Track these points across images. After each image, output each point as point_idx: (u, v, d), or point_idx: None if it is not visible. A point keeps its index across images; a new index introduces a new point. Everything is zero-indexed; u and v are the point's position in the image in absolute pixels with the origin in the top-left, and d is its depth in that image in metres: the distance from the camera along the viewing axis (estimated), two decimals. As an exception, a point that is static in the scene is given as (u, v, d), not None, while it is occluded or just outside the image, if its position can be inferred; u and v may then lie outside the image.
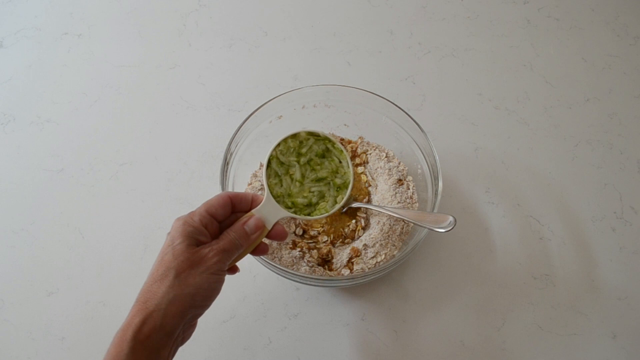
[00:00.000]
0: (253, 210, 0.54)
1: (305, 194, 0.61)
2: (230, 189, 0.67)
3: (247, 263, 0.63)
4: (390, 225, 0.67)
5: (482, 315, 0.67)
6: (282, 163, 0.60)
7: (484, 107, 0.84)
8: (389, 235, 0.67)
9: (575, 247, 0.72)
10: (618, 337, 0.66)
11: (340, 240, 0.69)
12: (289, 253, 0.66)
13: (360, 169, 0.75)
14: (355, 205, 0.68)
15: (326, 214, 0.60)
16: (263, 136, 0.72)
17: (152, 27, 0.93)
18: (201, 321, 0.50)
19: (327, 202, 0.61)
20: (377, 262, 0.65)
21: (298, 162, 0.61)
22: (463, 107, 0.84)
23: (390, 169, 0.73)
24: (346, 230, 0.69)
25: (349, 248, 0.67)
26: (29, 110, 0.84)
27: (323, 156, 0.62)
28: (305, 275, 0.62)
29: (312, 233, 0.69)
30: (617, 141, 0.81)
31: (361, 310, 0.68)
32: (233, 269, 0.54)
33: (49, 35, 0.92)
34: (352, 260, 0.66)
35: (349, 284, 0.62)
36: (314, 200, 0.61)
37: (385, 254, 0.66)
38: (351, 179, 0.61)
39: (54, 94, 0.86)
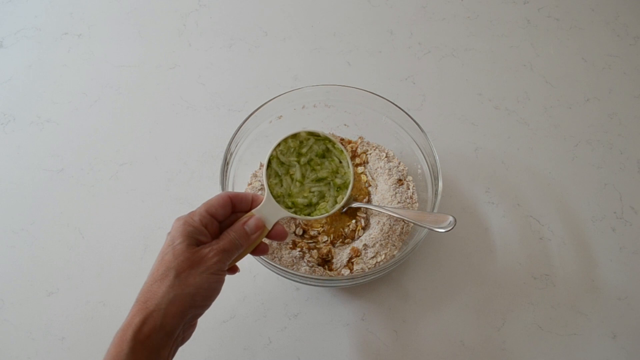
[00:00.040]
0: (253, 210, 0.54)
1: (305, 194, 0.61)
2: (230, 189, 0.67)
3: (247, 263, 0.63)
4: (390, 225, 0.67)
5: (482, 315, 0.67)
6: (282, 163, 0.60)
7: (484, 107, 0.84)
8: (389, 235, 0.67)
9: (575, 247, 0.72)
10: (618, 337, 0.66)
11: (340, 240, 0.69)
12: (289, 253, 0.66)
13: (360, 169, 0.75)
14: (355, 205, 0.68)
15: (326, 214, 0.60)
16: (263, 136, 0.72)
17: (152, 27, 0.93)
18: (201, 321, 0.50)
19: (327, 202, 0.61)
20: (377, 262, 0.65)
21: (298, 162, 0.61)
22: (463, 107, 0.84)
23: (390, 169, 0.73)
24: (346, 230, 0.69)
25: (349, 248, 0.67)
26: (29, 110, 0.84)
27: (323, 156, 0.62)
28: (305, 275, 0.62)
29: (312, 233, 0.69)
30: (617, 141, 0.81)
31: (361, 310, 0.68)
32: (233, 269, 0.54)
33: (49, 35, 0.92)
34: (352, 260, 0.66)
35: (349, 284, 0.62)
36: (314, 200, 0.61)
37: (385, 254, 0.66)
38: (351, 179, 0.61)
39: (54, 94, 0.86)
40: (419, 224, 0.61)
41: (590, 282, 0.70)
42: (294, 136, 0.60)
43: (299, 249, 0.67)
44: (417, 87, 0.86)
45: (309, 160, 0.62)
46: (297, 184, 0.61)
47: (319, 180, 0.62)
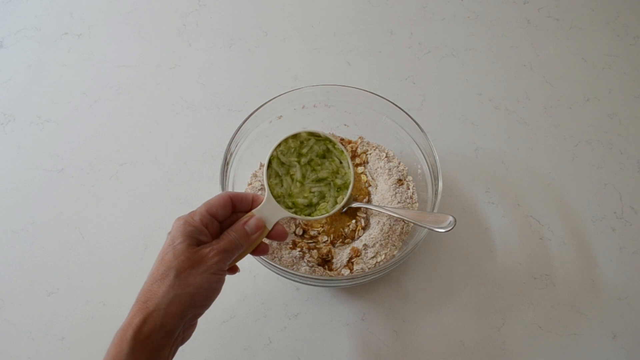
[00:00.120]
0: (253, 210, 0.54)
1: (305, 194, 0.61)
2: (230, 189, 0.67)
3: (247, 263, 0.63)
4: (390, 225, 0.67)
5: (482, 315, 0.67)
6: (282, 163, 0.60)
7: (484, 107, 0.84)
8: (389, 235, 0.67)
9: (575, 247, 0.72)
10: (618, 337, 0.66)
11: (340, 240, 0.69)
12: (289, 253, 0.66)
13: (360, 169, 0.75)
14: (355, 205, 0.68)
15: (326, 215, 0.60)
16: (263, 136, 0.72)
17: (152, 27, 0.93)
18: (201, 321, 0.50)
19: (327, 202, 0.61)
20: (377, 262, 0.65)
21: (299, 162, 0.61)
22: (463, 107, 0.84)
23: (390, 169, 0.73)
24: (346, 230, 0.69)
25: (349, 248, 0.67)
26: (29, 110, 0.84)
27: (324, 156, 0.62)
28: (305, 275, 0.62)
29: (312, 233, 0.69)
30: (617, 141, 0.81)
31: (361, 310, 0.68)
32: (233, 269, 0.54)
33: (49, 35, 0.92)
34: (352, 260, 0.66)
35: (349, 284, 0.62)
36: (315, 200, 0.61)
37: (385, 254, 0.66)
38: (352, 179, 0.61)
39: (54, 94, 0.86)
40: (419, 224, 0.61)
41: (590, 282, 0.70)
42: (295, 136, 0.60)
43: (299, 249, 0.67)
44: (417, 87, 0.86)
45: (310, 160, 0.62)
46: (298, 184, 0.61)
47: (319, 180, 0.62)
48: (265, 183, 0.58)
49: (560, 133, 0.82)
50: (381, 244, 0.66)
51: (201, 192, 0.76)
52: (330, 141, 0.62)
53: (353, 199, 0.71)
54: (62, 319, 0.67)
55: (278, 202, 0.57)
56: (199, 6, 0.95)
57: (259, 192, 0.71)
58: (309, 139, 0.61)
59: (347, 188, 0.61)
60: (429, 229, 0.61)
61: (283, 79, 0.87)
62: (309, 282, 0.62)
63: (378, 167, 0.74)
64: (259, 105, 0.69)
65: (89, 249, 0.72)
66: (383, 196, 0.71)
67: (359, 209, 0.71)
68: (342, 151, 0.62)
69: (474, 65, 0.89)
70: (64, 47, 0.91)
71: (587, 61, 0.89)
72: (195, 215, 0.49)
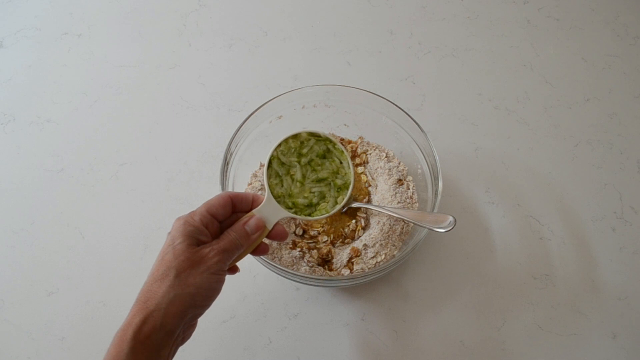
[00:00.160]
0: (254, 211, 0.54)
1: (306, 195, 0.61)
2: (230, 189, 0.67)
3: (247, 263, 0.63)
4: (390, 225, 0.67)
5: (482, 315, 0.67)
6: (283, 163, 0.60)
7: (484, 107, 0.84)
8: (389, 235, 0.67)
9: (575, 247, 0.72)
10: (618, 337, 0.66)
11: (340, 240, 0.69)
12: (289, 253, 0.66)
13: (360, 169, 0.75)
14: (355, 205, 0.68)
15: (327, 215, 0.60)
16: (263, 136, 0.72)
17: (152, 27, 0.93)
18: (201, 321, 0.50)
19: (327, 202, 0.61)
20: (377, 262, 0.65)
21: (299, 162, 0.61)
22: (463, 107, 0.84)
23: (390, 169, 0.73)
24: (346, 230, 0.69)
25: (349, 248, 0.67)
26: (29, 110, 0.84)
27: (324, 157, 0.62)
28: (305, 275, 0.62)
29: (312, 233, 0.69)
30: (617, 141, 0.81)
31: (361, 310, 0.68)
32: (233, 269, 0.54)
33: (49, 35, 0.92)
34: (352, 260, 0.66)
35: (349, 284, 0.62)
36: (315, 200, 0.61)
37: (385, 254, 0.66)
38: (352, 179, 0.61)
39: (54, 94, 0.86)
40: (419, 224, 0.61)
41: (590, 282, 0.70)
42: (295, 136, 0.60)
43: (299, 249, 0.67)
44: (417, 87, 0.86)
45: (310, 160, 0.62)
46: (298, 184, 0.61)
47: (319, 180, 0.62)
48: (265, 183, 0.58)
49: (560, 133, 0.82)
50: (381, 244, 0.66)
51: (201, 192, 0.76)
52: (331, 141, 0.62)
53: (353, 199, 0.71)
54: (62, 319, 0.67)
55: (278, 202, 0.57)
56: (199, 6, 0.95)
57: (259, 192, 0.71)
58: (309, 139, 0.61)
59: (347, 188, 0.61)
60: (429, 229, 0.61)
61: (283, 79, 0.87)
62: (309, 282, 0.62)
63: (378, 167, 0.74)
64: (259, 105, 0.69)
65: (89, 249, 0.72)
66: (383, 196, 0.71)
67: (359, 209, 0.71)
68: (342, 151, 0.62)
69: (474, 65, 0.89)
70: (64, 47, 0.91)
71: (587, 61, 0.89)
72: (195, 215, 0.49)
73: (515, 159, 0.79)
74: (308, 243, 0.68)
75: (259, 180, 0.73)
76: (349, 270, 0.66)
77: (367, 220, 0.70)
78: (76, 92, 0.86)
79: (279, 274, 0.63)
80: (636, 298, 0.69)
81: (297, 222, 0.70)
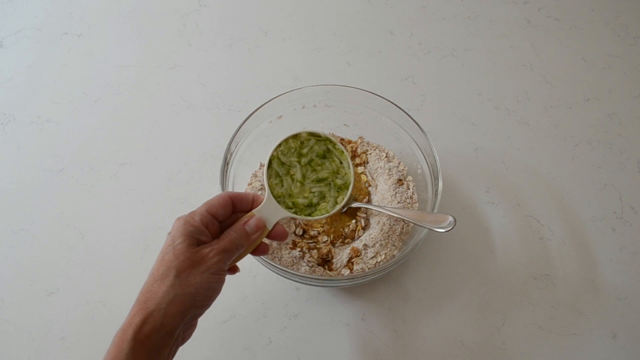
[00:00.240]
0: (254, 210, 0.54)
1: (306, 195, 0.61)
2: (230, 189, 0.67)
3: (247, 263, 0.63)
4: (390, 225, 0.67)
5: (482, 315, 0.67)
6: (283, 163, 0.60)
7: (484, 107, 0.84)
8: (389, 235, 0.67)
9: (575, 247, 0.72)
10: (618, 337, 0.66)
11: (340, 240, 0.69)
12: (289, 253, 0.66)
13: (360, 169, 0.75)
14: (355, 205, 0.68)
15: (327, 215, 0.60)
16: (263, 136, 0.72)
17: (152, 27, 0.93)
18: (201, 321, 0.50)
19: (327, 202, 0.61)
20: (377, 262, 0.65)
21: (299, 162, 0.61)
22: (463, 107, 0.84)
23: (390, 169, 0.73)
24: (346, 230, 0.69)
25: (349, 248, 0.67)
26: (29, 110, 0.84)
27: (324, 157, 0.62)
28: (305, 275, 0.62)
29: (312, 233, 0.69)
30: (617, 141, 0.81)
31: (361, 310, 0.68)
32: (233, 269, 0.54)
33: (49, 35, 0.92)
34: (352, 260, 0.66)
35: (349, 284, 0.62)
36: (315, 200, 0.61)
37: (385, 254, 0.66)
38: (352, 179, 0.61)
39: (54, 94, 0.86)
40: (419, 224, 0.61)
41: (590, 282, 0.70)
42: (295, 136, 0.60)
43: (299, 249, 0.67)
44: (417, 87, 0.86)
45: (310, 160, 0.62)
46: (298, 184, 0.61)
47: (319, 180, 0.62)
48: (265, 183, 0.58)
49: (560, 133, 0.82)
50: (381, 244, 0.66)
51: (201, 192, 0.76)
52: (331, 141, 0.62)
53: (353, 199, 0.71)
54: (62, 319, 0.67)
55: (278, 202, 0.57)
56: (199, 6, 0.95)
57: (259, 192, 0.71)
58: (309, 139, 0.61)
59: (347, 188, 0.61)
60: (429, 229, 0.61)
61: (283, 79, 0.87)
62: (309, 282, 0.62)
63: (378, 167, 0.74)
64: (259, 105, 0.69)
65: (89, 249, 0.72)
66: (383, 196, 0.71)
67: (359, 209, 0.71)
68: (343, 151, 0.62)
69: (474, 65, 0.89)
70: (64, 47, 0.91)
71: (587, 61, 0.89)
72: (195, 215, 0.49)
73: (515, 159, 0.79)
74: (308, 243, 0.68)
75: (259, 180, 0.73)
76: (349, 270, 0.66)
77: (367, 220, 0.70)
78: (76, 92, 0.86)
79: (279, 274, 0.63)
80: (636, 298, 0.69)
81: (297, 222, 0.70)
